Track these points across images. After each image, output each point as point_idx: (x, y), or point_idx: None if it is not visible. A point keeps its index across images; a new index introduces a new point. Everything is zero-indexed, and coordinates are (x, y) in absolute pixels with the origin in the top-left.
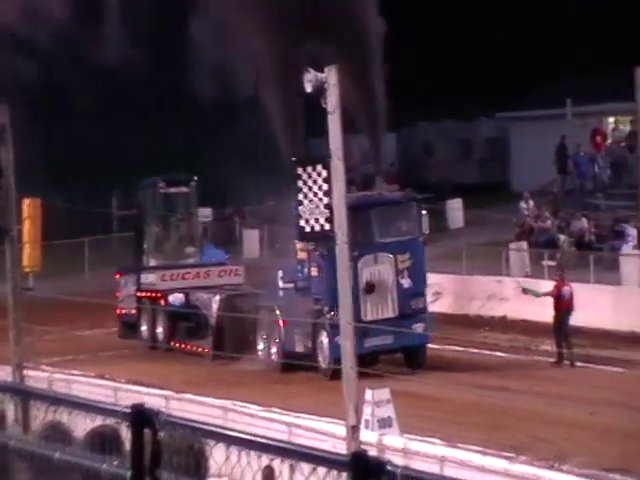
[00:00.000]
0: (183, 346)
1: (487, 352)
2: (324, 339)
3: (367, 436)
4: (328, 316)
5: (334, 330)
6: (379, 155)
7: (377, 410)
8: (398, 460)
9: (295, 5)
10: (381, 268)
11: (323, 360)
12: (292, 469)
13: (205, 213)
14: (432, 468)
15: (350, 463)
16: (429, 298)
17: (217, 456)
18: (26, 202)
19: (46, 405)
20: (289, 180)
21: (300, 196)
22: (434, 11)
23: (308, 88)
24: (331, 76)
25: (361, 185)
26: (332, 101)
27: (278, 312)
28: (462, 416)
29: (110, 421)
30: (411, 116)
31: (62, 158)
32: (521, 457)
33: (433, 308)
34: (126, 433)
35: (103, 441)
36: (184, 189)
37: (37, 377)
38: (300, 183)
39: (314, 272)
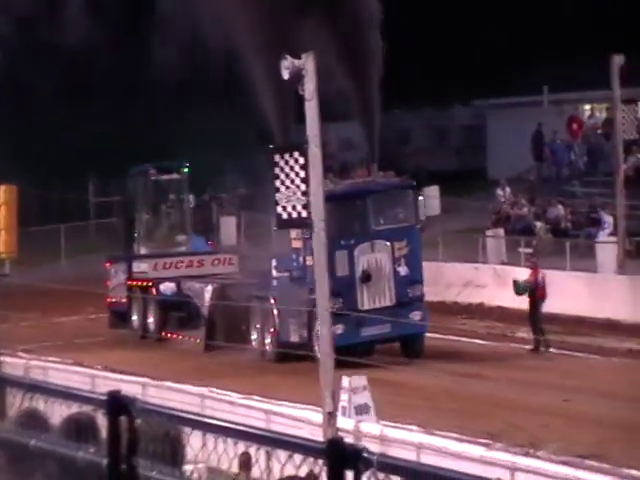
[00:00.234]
0: (175, 336)
1: (464, 339)
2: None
3: (344, 423)
4: None
5: (331, 319)
6: (373, 141)
7: (354, 397)
8: (375, 447)
9: None
10: (378, 256)
11: (319, 350)
12: (268, 456)
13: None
14: (409, 455)
15: (326, 450)
16: None
17: (194, 443)
18: (2, 188)
19: (22, 392)
20: (266, 167)
21: (277, 183)
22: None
23: (285, 75)
24: (308, 63)
25: (339, 173)
26: (310, 88)
27: (273, 301)
28: (439, 403)
29: (86, 408)
30: (387, 103)
31: (35, 145)
32: (497, 444)
33: None
34: (102, 420)
35: (79, 428)
36: (175, 176)
37: (13, 364)
38: (277, 170)
39: (309, 261)
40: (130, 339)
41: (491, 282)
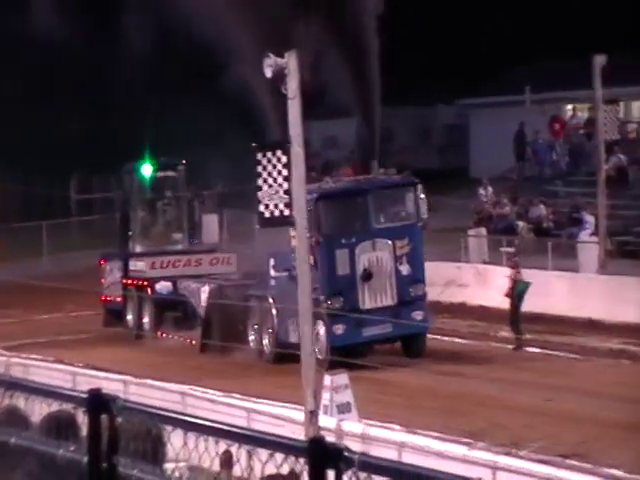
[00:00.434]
0: (170, 336)
1: (446, 338)
2: (320, 329)
3: (326, 422)
4: (324, 305)
5: (331, 319)
6: (374, 137)
7: (336, 395)
8: (357, 446)
9: None
10: (379, 255)
11: (320, 350)
12: (250, 455)
13: None
14: (391, 454)
15: (307, 449)
16: None
17: (175, 441)
18: None
19: (2, 390)
20: (248, 164)
21: (260, 181)
22: None
23: (268, 73)
24: (291, 61)
25: (321, 171)
26: (292, 87)
27: (271, 301)
28: (421, 402)
29: (67, 406)
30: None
31: (17, 142)
32: (479, 443)
33: None
34: (83, 418)
35: (59, 426)
36: (171, 173)
37: None
38: (260, 168)
39: (310, 260)
40: (114, 336)
41: (473, 281)
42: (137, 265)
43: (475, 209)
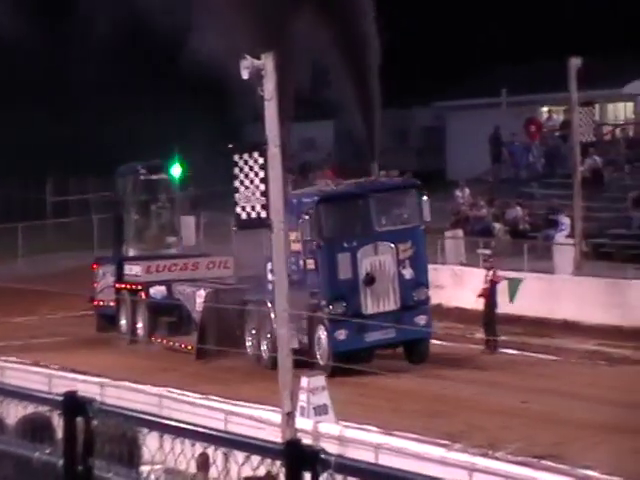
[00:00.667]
0: (165, 342)
1: None
2: (322, 334)
3: (303, 424)
4: (326, 310)
5: (333, 325)
6: (373, 139)
7: (312, 397)
8: (334, 448)
9: None
10: (381, 258)
11: (321, 356)
12: (226, 457)
13: None
14: (368, 456)
15: (283, 452)
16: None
17: (151, 444)
18: None
19: None
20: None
21: (236, 183)
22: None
23: (245, 75)
24: (268, 63)
25: (299, 173)
26: (269, 88)
27: (270, 305)
28: (400, 404)
29: (43, 409)
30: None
31: None
32: (456, 445)
33: None
34: (58, 421)
35: (35, 429)
36: (165, 176)
37: None
38: (236, 170)
39: (310, 264)
40: (94, 340)
41: (450, 283)
42: (132, 269)
43: (452, 211)
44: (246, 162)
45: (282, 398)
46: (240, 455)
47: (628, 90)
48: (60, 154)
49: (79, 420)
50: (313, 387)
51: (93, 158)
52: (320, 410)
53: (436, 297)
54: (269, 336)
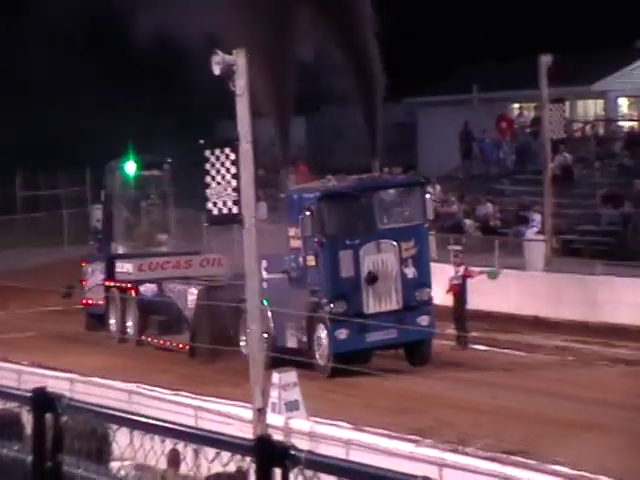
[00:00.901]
0: (156, 341)
1: None
2: (322, 334)
3: (274, 419)
4: (327, 309)
5: (334, 324)
6: (375, 135)
7: (284, 393)
8: (304, 444)
9: None
10: (384, 257)
11: (321, 356)
12: (196, 453)
13: None
14: (339, 452)
15: (254, 448)
16: None
17: (121, 440)
18: None
19: None
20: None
21: (208, 179)
22: None
23: (216, 71)
24: (240, 58)
25: (270, 169)
26: (241, 84)
27: (267, 304)
28: (372, 400)
29: (11, 405)
30: (320, 100)
31: None
32: (426, 440)
33: None
34: (27, 417)
35: (3, 425)
36: (156, 172)
37: None
38: (208, 166)
39: (311, 262)
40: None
41: None
42: (124, 267)
43: None
44: (218, 158)
45: (254, 394)
46: (210, 451)
47: (598, 87)
48: (29, 149)
49: (48, 416)
50: (284, 383)
51: (61, 154)
52: (291, 406)
53: None
54: (266, 335)
